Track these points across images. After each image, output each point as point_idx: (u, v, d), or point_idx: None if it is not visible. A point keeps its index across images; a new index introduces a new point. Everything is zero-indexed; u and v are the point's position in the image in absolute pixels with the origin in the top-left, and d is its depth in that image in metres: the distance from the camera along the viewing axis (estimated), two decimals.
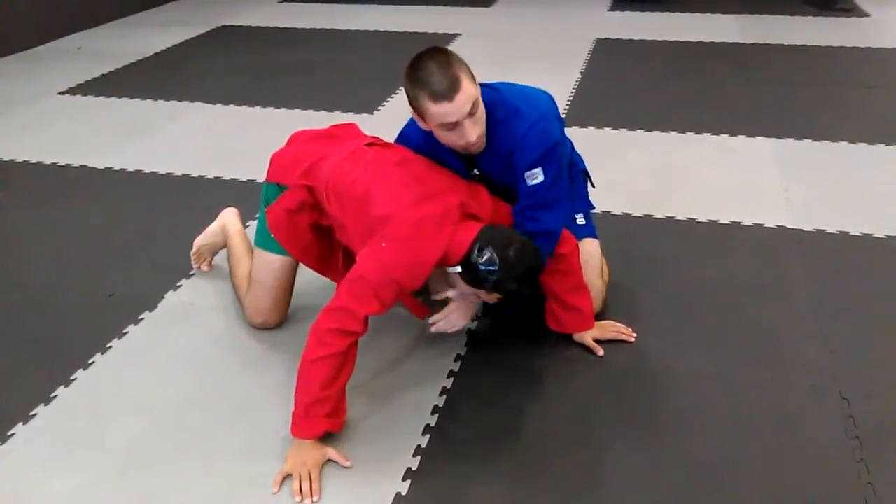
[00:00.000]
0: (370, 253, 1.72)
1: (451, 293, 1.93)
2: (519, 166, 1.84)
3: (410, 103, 1.75)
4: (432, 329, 1.96)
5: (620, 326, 2.10)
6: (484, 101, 1.77)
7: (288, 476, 1.66)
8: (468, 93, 1.68)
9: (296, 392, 1.71)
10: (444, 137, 1.77)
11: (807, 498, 1.60)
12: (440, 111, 1.69)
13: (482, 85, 1.80)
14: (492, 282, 1.69)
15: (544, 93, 1.97)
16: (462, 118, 1.70)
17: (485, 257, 1.67)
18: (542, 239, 1.87)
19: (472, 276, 1.71)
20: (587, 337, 2.05)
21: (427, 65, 1.68)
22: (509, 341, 2.11)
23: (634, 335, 2.09)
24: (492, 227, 1.74)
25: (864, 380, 1.93)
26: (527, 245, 1.72)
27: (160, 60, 4.88)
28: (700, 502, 1.60)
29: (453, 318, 1.95)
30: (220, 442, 1.78)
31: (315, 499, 1.61)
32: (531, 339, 2.10)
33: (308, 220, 1.99)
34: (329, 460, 1.71)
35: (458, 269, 1.72)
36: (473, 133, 1.74)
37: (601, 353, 2.03)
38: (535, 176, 1.84)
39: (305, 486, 1.62)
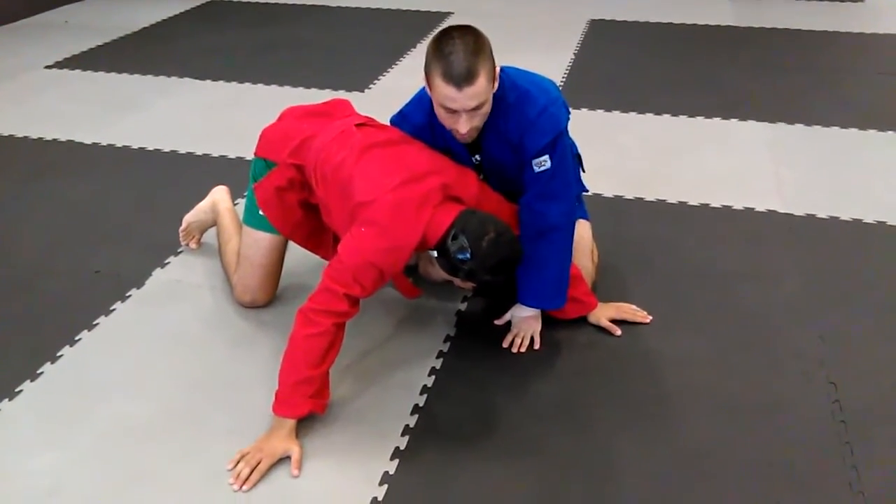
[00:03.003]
0: (350, 237, 1.71)
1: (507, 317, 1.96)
2: (528, 150, 1.82)
3: (425, 68, 1.71)
4: (513, 350, 1.99)
5: (636, 308, 2.10)
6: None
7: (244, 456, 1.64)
8: (479, 90, 1.65)
9: (281, 371, 1.70)
10: (439, 114, 1.76)
11: (792, 480, 1.62)
12: (445, 93, 1.66)
13: None
14: (464, 271, 1.66)
15: (548, 79, 1.96)
16: (462, 110, 1.68)
17: (457, 245, 1.64)
18: (554, 234, 1.87)
19: (446, 262, 1.68)
20: (603, 318, 2.05)
21: (455, 42, 1.64)
22: (503, 315, 2.11)
23: (650, 317, 2.09)
24: (471, 213, 1.70)
25: (851, 365, 1.94)
26: (503, 235, 1.67)
27: (149, 35, 4.81)
28: (688, 484, 1.61)
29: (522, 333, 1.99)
30: (207, 420, 1.78)
31: (245, 488, 1.58)
32: None
33: (297, 198, 1.97)
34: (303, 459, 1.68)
35: (435, 253, 1.70)
36: (465, 126, 1.71)
37: (618, 332, 2.03)
38: (543, 163, 1.83)
39: (245, 472, 1.60)
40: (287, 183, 1.94)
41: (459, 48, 1.63)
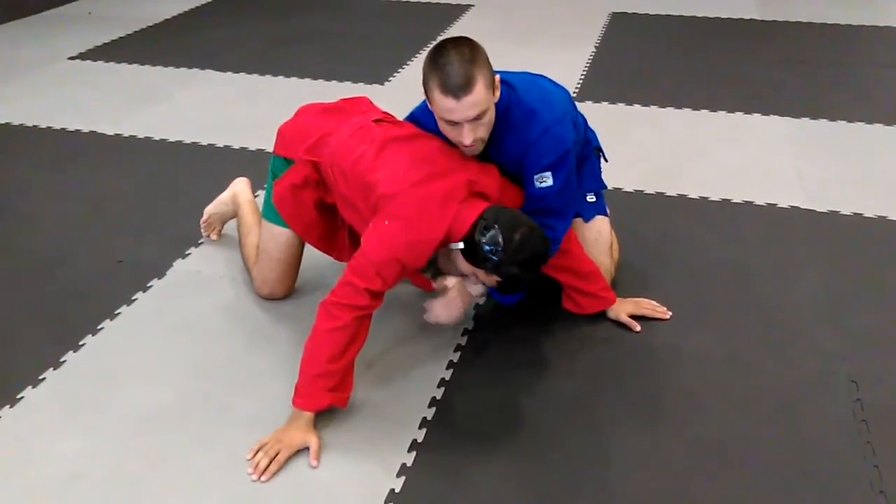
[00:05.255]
0: (374, 231, 1.70)
1: (449, 281, 1.90)
2: (529, 169, 1.81)
3: (423, 84, 1.71)
4: (428, 319, 1.94)
5: (656, 304, 2.09)
6: (500, 100, 1.73)
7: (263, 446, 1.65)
8: (478, 98, 1.63)
9: (301, 363, 1.71)
10: (443, 128, 1.74)
11: (812, 479, 1.60)
12: (444, 105, 1.65)
13: (501, 78, 1.75)
14: (492, 263, 1.64)
15: (562, 90, 1.94)
16: (463, 121, 1.66)
17: (488, 236, 1.62)
18: (553, 220, 1.86)
19: (474, 254, 1.66)
20: (622, 313, 2.04)
21: (449, 53, 1.63)
22: (516, 318, 2.11)
23: (669, 313, 2.08)
24: (500, 207, 1.70)
25: (873, 363, 1.92)
26: (535, 231, 1.66)
27: (170, 27, 4.84)
28: (705, 483, 1.60)
29: (438, 311, 1.92)
30: (227, 409, 1.79)
31: (263, 478, 1.60)
32: (539, 316, 2.10)
33: (313, 197, 1.96)
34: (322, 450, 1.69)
35: (461, 245, 1.68)
36: (469, 137, 1.69)
37: (638, 328, 2.02)
38: (545, 179, 1.81)
39: (263, 463, 1.61)
40: (303, 181, 1.94)
41: (454, 58, 1.62)
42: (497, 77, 1.72)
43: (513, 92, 1.80)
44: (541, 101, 1.83)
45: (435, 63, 1.64)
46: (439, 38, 4.38)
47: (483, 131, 1.72)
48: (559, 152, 1.80)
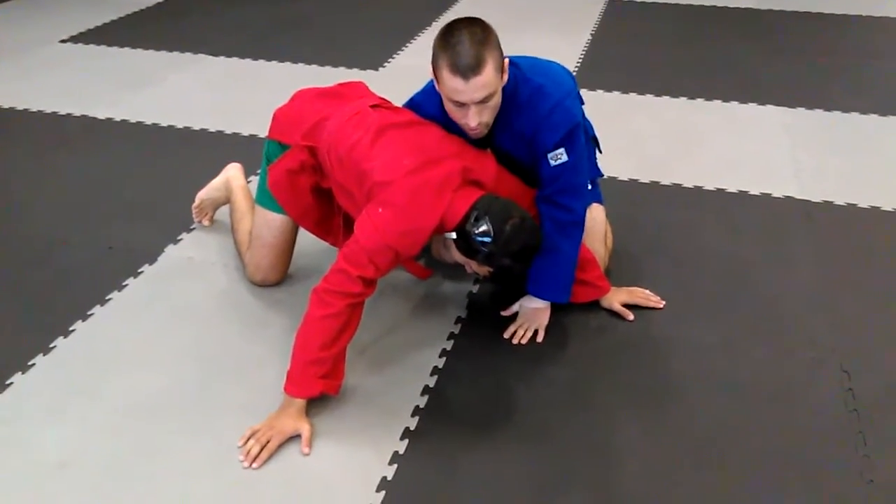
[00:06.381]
0: (367, 218, 1.69)
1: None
2: (542, 146, 1.80)
3: (432, 62, 1.69)
4: (514, 341, 1.95)
5: (649, 293, 2.09)
6: (507, 81, 1.72)
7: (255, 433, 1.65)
8: (486, 80, 1.62)
9: (293, 350, 1.70)
10: (449, 109, 1.73)
11: (803, 467, 1.61)
12: (452, 85, 1.64)
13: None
14: (484, 254, 1.64)
15: (563, 68, 1.93)
16: (470, 103, 1.65)
17: (480, 227, 1.62)
18: (573, 229, 1.87)
19: (466, 245, 1.67)
20: (615, 302, 2.04)
21: (461, 33, 1.62)
22: (510, 305, 2.10)
23: (663, 302, 2.08)
24: (493, 197, 1.69)
25: (865, 353, 1.92)
26: (526, 221, 1.66)
27: (163, 10, 4.80)
28: (698, 472, 1.60)
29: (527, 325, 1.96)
30: (218, 396, 1.78)
31: (255, 465, 1.59)
32: None
33: (309, 182, 1.95)
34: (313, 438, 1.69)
35: (454, 235, 1.68)
36: (475, 120, 1.68)
37: (631, 317, 2.02)
38: (559, 157, 1.80)
39: (255, 450, 1.61)
40: (299, 166, 1.93)
41: (465, 39, 1.60)
42: (506, 60, 1.71)
43: (519, 71, 1.79)
44: (547, 77, 1.82)
45: (446, 42, 1.63)
46: (434, 25, 4.39)
47: (488, 115, 1.71)
48: (570, 126, 1.78)
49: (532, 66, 1.84)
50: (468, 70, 1.60)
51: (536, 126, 1.79)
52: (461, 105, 1.67)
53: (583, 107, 2.07)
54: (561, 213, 1.85)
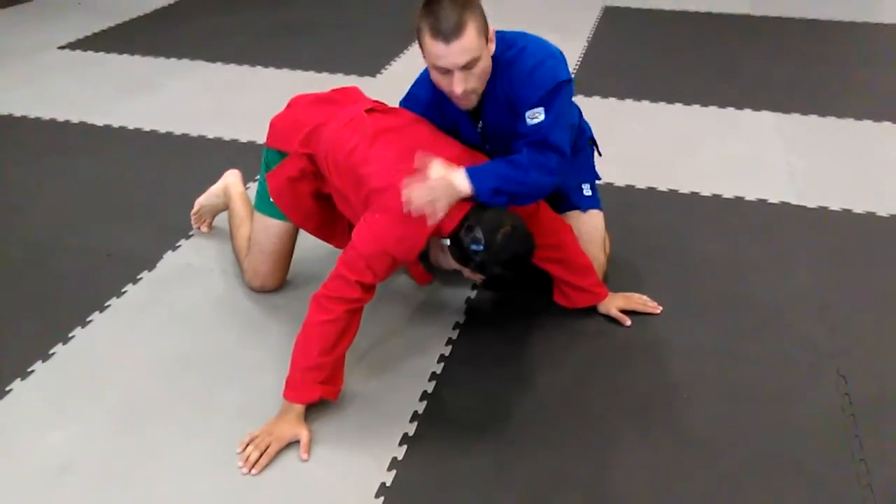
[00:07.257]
0: (364, 224, 1.70)
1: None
2: (522, 106, 1.74)
3: (416, 31, 1.67)
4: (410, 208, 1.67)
5: (646, 299, 2.09)
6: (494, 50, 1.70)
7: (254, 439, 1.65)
8: (468, 44, 1.60)
9: (293, 356, 1.71)
10: (435, 80, 1.72)
11: (800, 472, 1.61)
12: (433, 50, 1.62)
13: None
14: (476, 262, 1.65)
15: (553, 46, 1.91)
16: (454, 68, 1.63)
17: (471, 236, 1.63)
18: (549, 154, 1.72)
19: (459, 252, 1.67)
20: (613, 308, 2.04)
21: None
22: (508, 311, 2.11)
23: (660, 308, 2.08)
24: (485, 205, 1.69)
25: (862, 358, 1.93)
26: (518, 230, 1.66)
27: (160, 17, 4.81)
28: (695, 475, 1.61)
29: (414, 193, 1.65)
30: (217, 401, 1.79)
31: (254, 471, 1.59)
32: (530, 309, 2.10)
33: (310, 188, 1.96)
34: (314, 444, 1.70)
35: (448, 241, 1.69)
36: (460, 86, 1.66)
37: (628, 322, 2.02)
38: (536, 115, 1.73)
39: (254, 456, 1.61)
40: (299, 173, 1.94)
41: (446, 3, 1.60)
42: (492, 28, 1.70)
43: (504, 38, 1.77)
44: (533, 42, 1.79)
45: (427, 8, 1.63)
46: None
47: (475, 82, 1.69)
48: (551, 84, 1.72)
49: (521, 33, 1.81)
50: (449, 33, 1.59)
51: (518, 84, 1.74)
52: (446, 72, 1.65)
53: (579, 109, 2.07)
54: (539, 157, 1.73)
